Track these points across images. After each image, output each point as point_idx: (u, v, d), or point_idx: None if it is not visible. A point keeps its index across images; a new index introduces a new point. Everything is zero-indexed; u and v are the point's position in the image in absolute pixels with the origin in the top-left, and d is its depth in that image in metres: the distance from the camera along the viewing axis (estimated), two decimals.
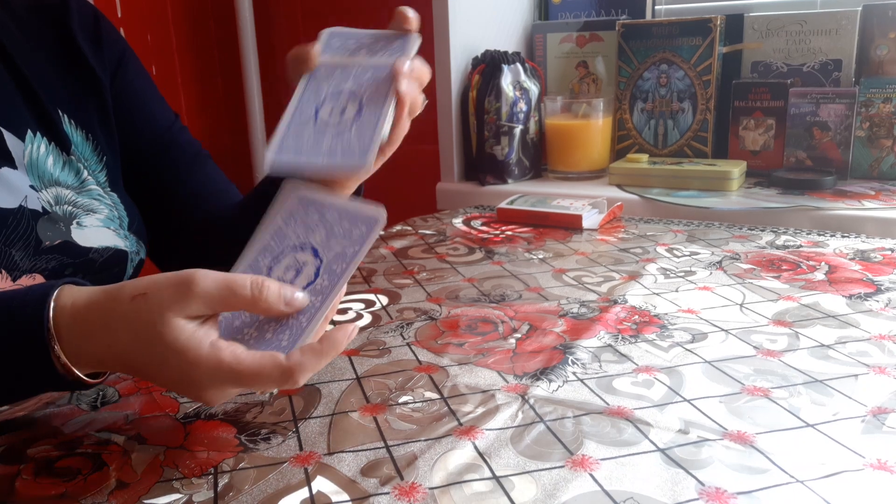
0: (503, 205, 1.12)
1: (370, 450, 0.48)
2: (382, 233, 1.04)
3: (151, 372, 0.45)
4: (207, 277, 0.44)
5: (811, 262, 0.83)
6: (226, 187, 0.82)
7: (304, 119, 0.55)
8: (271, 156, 0.54)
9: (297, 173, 0.54)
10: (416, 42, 0.58)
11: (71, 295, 0.46)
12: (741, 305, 0.71)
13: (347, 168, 0.53)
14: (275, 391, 0.53)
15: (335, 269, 0.48)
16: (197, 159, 0.80)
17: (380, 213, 0.50)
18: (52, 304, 0.45)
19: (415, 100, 0.57)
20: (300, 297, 0.47)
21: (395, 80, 0.55)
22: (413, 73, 0.56)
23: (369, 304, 0.75)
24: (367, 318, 0.71)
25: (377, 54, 0.58)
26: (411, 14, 0.59)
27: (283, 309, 0.46)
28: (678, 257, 0.87)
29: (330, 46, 0.60)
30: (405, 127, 0.59)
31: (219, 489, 0.44)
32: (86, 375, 0.47)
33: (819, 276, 0.79)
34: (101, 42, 0.73)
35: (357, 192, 0.70)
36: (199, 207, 0.78)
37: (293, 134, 0.55)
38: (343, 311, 0.73)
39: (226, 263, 0.49)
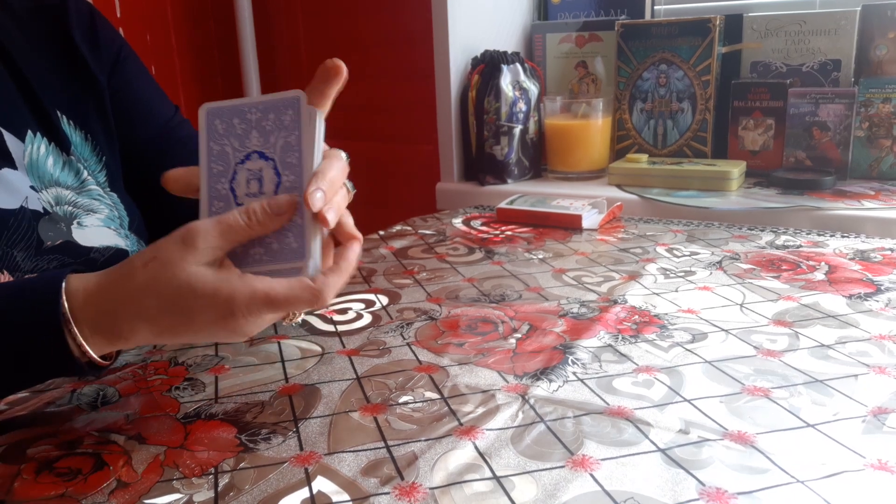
0: (503, 205, 1.12)
1: (370, 450, 0.48)
2: (382, 232, 1.04)
3: (185, 326, 0.47)
4: (203, 226, 0.46)
5: (811, 262, 0.83)
6: None
7: (222, 203, 0.50)
8: None
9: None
10: (306, 113, 0.49)
11: (80, 279, 0.47)
12: (741, 305, 0.71)
13: (290, 266, 0.49)
14: (300, 317, 0.55)
15: (291, 161, 0.49)
16: (197, 155, 0.80)
17: (297, 92, 0.49)
18: (63, 287, 0.46)
19: (340, 208, 0.51)
20: (283, 199, 0.48)
21: (318, 217, 0.48)
22: (329, 193, 0.49)
23: (369, 304, 0.75)
24: (367, 318, 0.71)
25: (270, 126, 0.50)
26: (339, 67, 0.52)
27: (276, 220, 0.48)
28: (678, 257, 0.87)
29: (213, 133, 0.51)
30: (351, 233, 0.54)
31: (219, 489, 0.44)
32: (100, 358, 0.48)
33: (819, 276, 0.79)
34: (97, 41, 0.73)
35: None
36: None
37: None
38: (343, 312, 0.73)
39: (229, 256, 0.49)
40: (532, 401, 0.53)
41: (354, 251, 0.50)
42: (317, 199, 0.47)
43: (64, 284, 0.46)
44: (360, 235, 0.53)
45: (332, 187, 0.49)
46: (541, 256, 0.90)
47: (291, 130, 0.49)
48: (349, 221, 0.53)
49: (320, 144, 0.50)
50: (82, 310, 0.46)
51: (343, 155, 0.52)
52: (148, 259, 0.46)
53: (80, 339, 0.46)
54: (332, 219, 0.49)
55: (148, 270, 0.46)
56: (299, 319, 0.53)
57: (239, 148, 0.50)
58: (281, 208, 0.48)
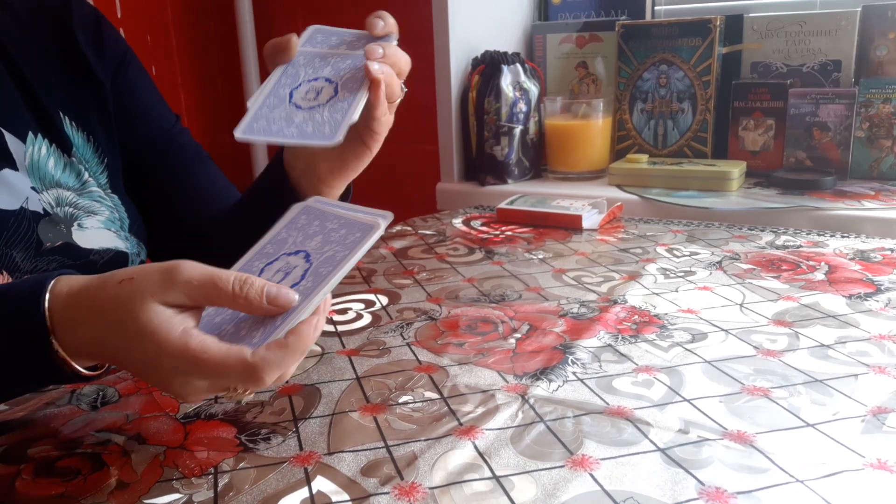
0: (503, 205, 1.12)
1: (370, 450, 0.48)
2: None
3: (121, 356, 0.45)
4: (194, 268, 0.44)
5: (811, 263, 0.83)
6: (226, 189, 0.82)
7: (277, 100, 0.57)
8: (240, 131, 0.55)
9: (265, 143, 0.57)
10: (393, 41, 0.60)
11: (67, 283, 0.46)
12: (741, 305, 0.71)
13: (316, 143, 0.54)
14: (247, 398, 0.49)
15: (322, 271, 0.47)
16: (197, 161, 0.80)
17: (377, 221, 0.49)
18: (47, 293, 0.45)
19: (390, 84, 0.58)
20: (285, 293, 0.45)
21: (367, 64, 0.56)
22: (387, 57, 0.58)
23: (369, 304, 0.75)
24: (367, 319, 0.71)
25: (357, 49, 0.60)
26: (387, 19, 0.60)
27: (265, 306, 0.44)
28: (678, 257, 0.87)
29: (312, 41, 0.62)
30: (386, 114, 0.60)
31: (219, 489, 0.44)
32: (88, 368, 0.47)
33: (819, 276, 0.79)
34: (102, 44, 0.73)
35: (346, 193, 0.70)
36: (200, 209, 0.78)
37: (265, 112, 0.57)
38: (343, 312, 0.73)
39: (226, 264, 0.50)
40: (532, 401, 0.53)
41: (311, 327, 0.44)
42: (377, 51, 0.56)
43: (48, 292, 0.45)
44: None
45: (392, 58, 0.57)
46: (541, 256, 0.90)
47: (345, 249, 0.48)
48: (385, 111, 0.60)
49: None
50: (61, 315, 0.45)
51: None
52: (126, 277, 0.44)
53: (58, 346, 0.44)
54: (375, 69, 0.55)
55: (119, 287, 0.44)
56: (246, 398, 0.47)
57: (297, 243, 0.50)
58: (276, 300, 0.44)
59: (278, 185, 0.69)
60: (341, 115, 0.55)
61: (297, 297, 0.45)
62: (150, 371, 0.44)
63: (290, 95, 0.57)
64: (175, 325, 0.43)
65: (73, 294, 0.45)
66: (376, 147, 0.63)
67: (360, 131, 0.61)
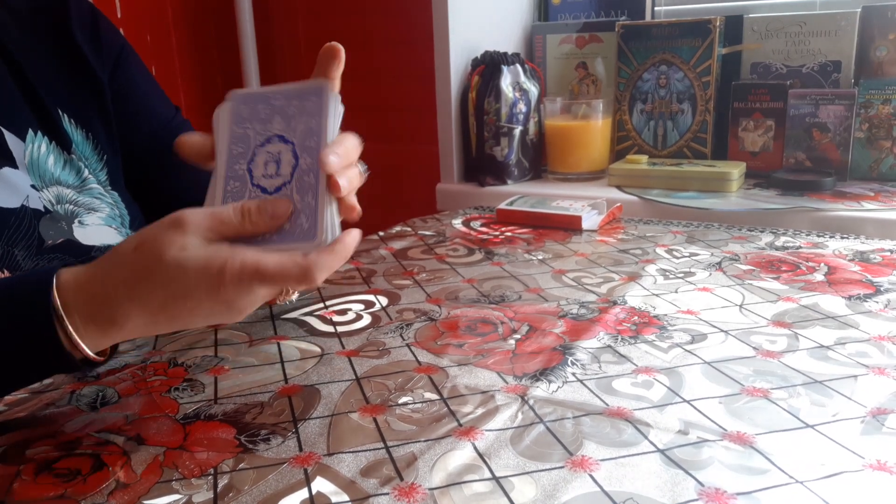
0: (503, 206, 1.12)
1: (370, 450, 0.48)
2: (382, 233, 1.04)
3: (179, 304, 0.46)
4: (195, 214, 0.46)
5: (810, 264, 0.83)
6: None
7: (240, 184, 0.51)
8: None
9: None
10: (331, 100, 0.50)
11: (71, 271, 0.47)
12: (741, 306, 0.71)
13: (300, 244, 0.49)
14: (294, 296, 0.53)
15: (310, 144, 0.48)
16: None
17: (322, 81, 0.50)
18: (54, 280, 0.46)
19: (352, 181, 0.52)
20: (280, 203, 0.48)
21: (335, 179, 0.49)
22: (343, 160, 0.50)
23: (369, 304, 0.75)
24: (366, 319, 0.71)
25: (293, 120, 0.51)
26: (337, 49, 0.52)
27: (270, 222, 0.48)
28: (677, 258, 0.87)
29: (239, 116, 0.52)
30: (352, 204, 0.54)
31: (218, 490, 0.44)
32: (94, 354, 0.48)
33: (818, 277, 0.79)
34: (99, 40, 0.73)
35: None
36: (202, 201, 0.78)
37: (232, 199, 0.51)
38: (342, 312, 0.73)
39: None
40: (531, 401, 0.53)
41: (353, 236, 0.49)
42: (331, 161, 0.48)
43: (55, 277, 0.46)
44: (359, 209, 0.53)
45: (346, 155, 0.49)
46: (540, 257, 0.90)
47: (312, 115, 0.49)
48: (353, 199, 0.53)
49: (336, 131, 0.51)
50: (73, 300, 0.46)
51: (356, 136, 0.53)
52: (136, 244, 0.46)
53: (71, 330, 0.45)
54: (344, 186, 0.49)
55: (138, 253, 0.46)
56: (293, 298, 0.50)
57: (261, 131, 0.51)
58: (276, 211, 0.48)
59: None
60: (313, 203, 0.49)
61: (304, 179, 0.48)
62: (212, 301, 0.46)
63: (250, 173, 0.51)
64: (220, 248, 0.46)
65: (81, 282, 0.46)
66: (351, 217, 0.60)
67: None
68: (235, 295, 0.46)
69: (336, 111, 0.50)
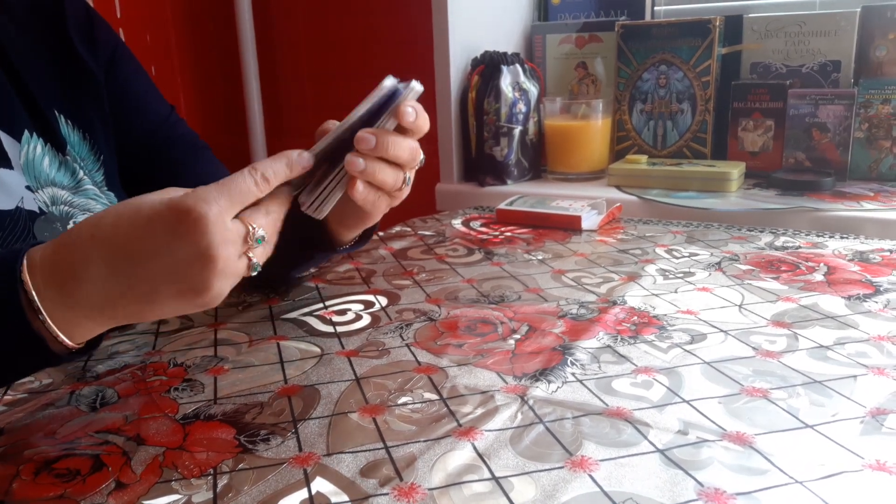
0: (502, 206, 1.12)
1: (369, 451, 0.48)
2: (382, 233, 1.04)
3: (139, 249, 0.45)
4: (206, 199, 0.45)
5: (810, 264, 0.83)
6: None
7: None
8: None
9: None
10: (397, 95, 0.56)
11: (42, 245, 0.47)
12: (740, 306, 0.71)
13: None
14: (258, 259, 0.50)
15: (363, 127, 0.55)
16: (194, 151, 0.80)
17: (391, 81, 0.55)
18: (25, 254, 0.45)
19: (376, 177, 0.55)
20: (286, 153, 0.51)
21: (351, 160, 0.54)
22: (378, 148, 0.54)
23: (368, 304, 0.75)
24: (366, 319, 0.71)
25: (369, 105, 0.56)
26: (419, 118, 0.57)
27: (287, 170, 0.50)
28: (677, 258, 0.88)
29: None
30: (373, 203, 0.58)
31: (218, 490, 0.44)
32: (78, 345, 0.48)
33: (818, 277, 0.79)
34: (94, 39, 0.73)
35: (364, 236, 0.72)
36: None
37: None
38: (342, 313, 0.73)
39: None
40: (531, 402, 0.53)
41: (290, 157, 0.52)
42: (363, 137, 0.53)
43: (27, 254, 0.46)
44: (364, 198, 0.57)
45: (382, 144, 0.54)
46: (540, 257, 0.90)
47: (370, 99, 0.55)
48: (362, 187, 0.56)
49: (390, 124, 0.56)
50: (40, 266, 0.45)
51: (415, 143, 0.57)
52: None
53: (44, 315, 0.44)
54: (355, 163, 0.53)
55: (119, 205, 0.47)
56: (256, 262, 0.49)
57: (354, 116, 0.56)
58: (290, 160, 0.51)
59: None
60: (327, 187, 0.56)
61: (295, 152, 0.52)
62: (178, 241, 0.45)
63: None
64: (186, 196, 0.46)
65: (50, 245, 0.46)
66: (378, 216, 0.62)
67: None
68: (196, 231, 0.44)
69: (390, 105, 0.55)
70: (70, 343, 0.47)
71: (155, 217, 0.45)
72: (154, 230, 0.44)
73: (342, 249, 0.73)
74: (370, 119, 0.56)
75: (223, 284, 0.47)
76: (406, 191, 0.60)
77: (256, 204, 0.49)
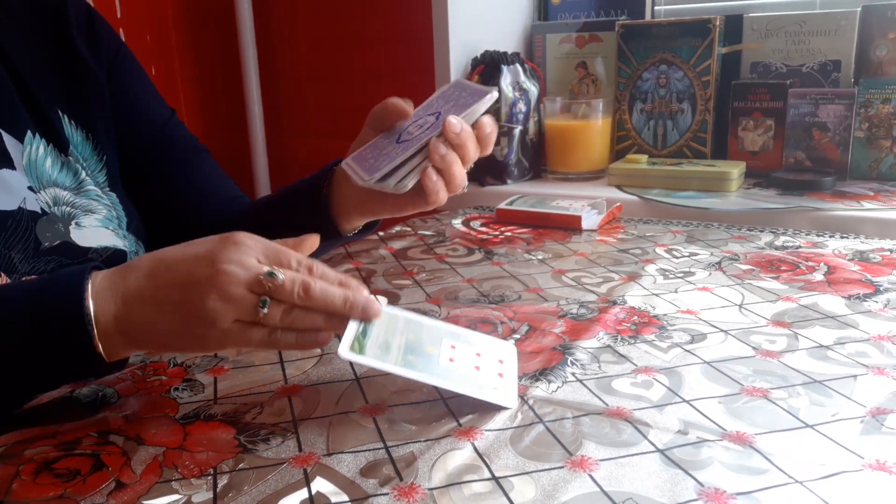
0: (502, 205, 1.12)
1: (369, 450, 0.48)
2: (382, 233, 1.04)
3: (166, 278, 0.48)
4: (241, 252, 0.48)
5: (810, 263, 0.83)
6: (223, 183, 0.82)
7: (388, 137, 0.63)
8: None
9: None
10: (484, 101, 0.59)
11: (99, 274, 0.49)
12: (740, 306, 0.71)
13: (357, 179, 0.60)
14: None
15: (439, 122, 0.58)
16: (194, 155, 0.80)
17: (490, 89, 0.59)
18: (89, 285, 0.47)
19: (448, 172, 0.59)
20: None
21: (434, 145, 0.57)
22: (460, 136, 0.58)
23: None
24: None
25: (451, 102, 0.61)
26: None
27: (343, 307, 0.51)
28: (677, 258, 0.87)
29: (441, 94, 0.64)
30: (436, 189, 0.60)
31: (218, 490, 0.44)
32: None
33: (818, 276, 0.79)
34: (96, 40, 0.73)
35: (368, 227, 0.73)
36: (198, 205, 0.78)
37: (376, 146, 0.63)
38: None
39: None
40: (531, 401, 0.53)
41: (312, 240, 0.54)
42: (449, 121, 0.57)
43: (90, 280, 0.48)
44: (437, 196, 0.60)
45: (464, 134, 0.57)
46: (540, 257, 0.90)
47: (458, 108, 0.59)
48: (434, 179, 0.59)
49: (473, 117, 0.60)
50: (97, 288, 0.48)
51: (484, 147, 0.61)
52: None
53: (92, 315, 0.47)
54: (437, 149, 0.57)
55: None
56: (265, 310, 0.48)
57: (436, 107, 0.62)
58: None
59: (316, 193, 0.71)
60: (401, 152, 0.58)
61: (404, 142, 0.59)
62: (196, 269, 0.48)
63: (400, 132, 0.62)
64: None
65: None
66: (434, 204, 0.63)
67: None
68: (223, 266, 0.47)
69: (478, 107, 0.59)
70: (107, 359, 0.49)
71: (184, 263, 0.49)
72: (178, 266, 0.49)
73: (349, 237, 0.73)
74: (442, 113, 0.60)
75: (221, 336, 0.49)
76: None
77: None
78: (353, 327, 0.51)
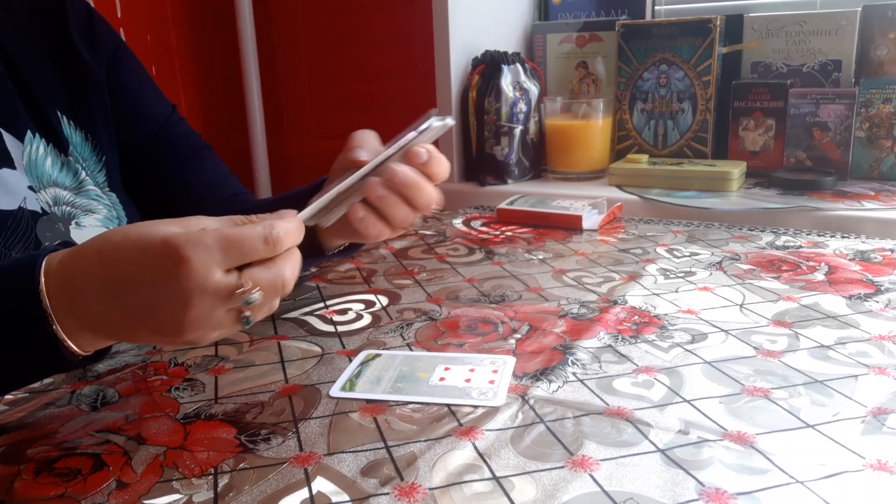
0: (503, 205, 1.12)
1: (370, 450, 0.48)
2: None
3: (126, 280, 0.43)
4: (201, 241, 0.42)
5: (811, 263, 0.83)
6: (226, 180, 0.82)
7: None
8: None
9: None
10: (430, 128, 0.56)
11: (56, 256, 0.45)
12: (741, 306, 0.71)
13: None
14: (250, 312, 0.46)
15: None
16: (195, 152, 0.80)
17: (433, 112, 0.56)
18: (43, 263, 0.44)
19: (388, 210, 0.56)
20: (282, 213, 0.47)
21: (372, 183, 0.55)
22: (393, 180, 0.55)
23: (369, 304, 0.75)
24: (367, 319, 0.71)
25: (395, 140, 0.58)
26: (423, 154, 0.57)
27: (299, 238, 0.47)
28: (678, 258, 0.87)
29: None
30: (365, 225, 0.57)
31: (219, 489, 0.44)
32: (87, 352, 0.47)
33: (819, 276, 0.79)
34: (96, 40, 0.73)
35: (345, 251, 0.73)
36: (200, 202, 0.78)
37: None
38: (343, 312, 0.73)
39: None
40: (532, 401, 0.53)
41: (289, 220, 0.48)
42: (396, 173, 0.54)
43: (46, 258, 0.45)
44: (366, 223, 0.57)
45: (386, 172, 0.55)
46: (541, 257, 0.90)
47: (406, 133, 0.56)
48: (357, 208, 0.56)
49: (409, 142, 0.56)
50: (55, 272, 0.44)
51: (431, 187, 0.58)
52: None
53: (57, 326, 0.44)
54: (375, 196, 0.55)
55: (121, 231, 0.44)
56: (248, 314, 0.45)
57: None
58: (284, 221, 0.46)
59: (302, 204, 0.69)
60: (319, 197, 0.54)
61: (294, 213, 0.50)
62: (162, 283, 0.42)
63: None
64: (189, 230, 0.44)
65: (66, 257, 0.45)
66: (375, 239, 0.61)
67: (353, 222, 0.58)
68: (177, 273, 0.41)
69: (413, 135, 0.56)
70: (78, 350, 0.46)
71: (149, 248, 0.42)
72: (144, 262, 0.43)
73: (329, 256, 0.72)
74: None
75: (202, 333, 0.45)
76: (409, 229, 0.61)
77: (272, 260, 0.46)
78: (349, 370, 0.57)
